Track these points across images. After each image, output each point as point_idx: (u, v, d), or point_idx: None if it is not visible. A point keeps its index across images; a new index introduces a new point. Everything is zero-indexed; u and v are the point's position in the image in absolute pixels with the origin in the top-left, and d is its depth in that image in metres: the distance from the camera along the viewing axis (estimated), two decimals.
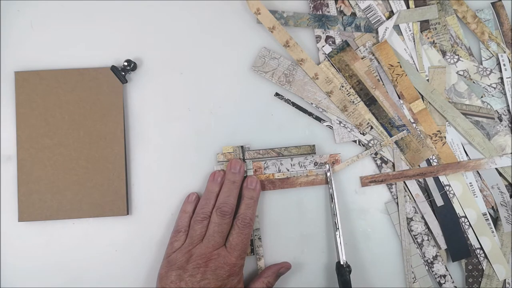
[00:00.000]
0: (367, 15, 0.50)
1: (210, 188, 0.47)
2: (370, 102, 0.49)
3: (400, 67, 0.49)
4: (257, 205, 0.47)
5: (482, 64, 0.50)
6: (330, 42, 0.50)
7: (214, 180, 0.47)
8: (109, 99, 0.48)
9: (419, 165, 0.49)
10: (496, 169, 0.49)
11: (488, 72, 0.50)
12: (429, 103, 0.49)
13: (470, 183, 0.49)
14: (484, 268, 0.48)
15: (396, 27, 0.50)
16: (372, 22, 0.50)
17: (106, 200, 0.47)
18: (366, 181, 0.49)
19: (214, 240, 0.44)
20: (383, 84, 0.50)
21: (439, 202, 0.49)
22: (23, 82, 0.48)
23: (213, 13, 0.50)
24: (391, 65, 0.49)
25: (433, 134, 0.49)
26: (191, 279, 0.42)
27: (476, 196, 0.49)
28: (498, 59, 0.50)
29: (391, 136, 0.49)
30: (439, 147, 0.49)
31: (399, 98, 0.49)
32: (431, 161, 0.49)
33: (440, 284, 0.48)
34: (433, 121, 0.49)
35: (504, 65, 0.50)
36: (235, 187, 0.46)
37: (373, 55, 0.49)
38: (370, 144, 0.49)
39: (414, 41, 0.50)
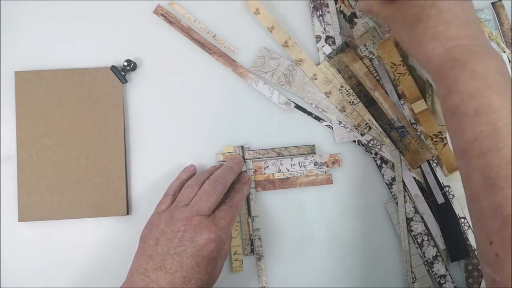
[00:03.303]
0: None
1: (208, 168, 0.48)
2: (370, 103, 0.49)
3: (403, 65, 0.48)
4: (245, 197, 0.47)
5: None
6: (330, 42, 0.50)
7: (215, 166, 0.48)
8: (109, 99, 0.48)
9: (419, 166, 0.49)
10: None
11: None
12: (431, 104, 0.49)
13: None
14: None
15: None
16: None
17: (106, 200, 0.47)
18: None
19: (199, 206, 0.41)
20: (382, 85, 0.49)
21: (440, 199, 0.48)
22: (23, 82, 0.48)
23: (213, 13, 0.50)
24: (393, 63, 0.49)
25: (434, 135, 0.49)
26: (167, 243, 0.40)
27: None
28: None
29: (390, 137, 0.49)
30: (440, 148, 0.49)
31: (400, 98, 0.49)
32: (430, 162, 0.49)
33: (440, 284, 0.48)
34: (434, 121, 0.49)
35: None
36: (232, 171, 0.46)
37: (373, 54, 0.49)
38: (369, 144, 0.49)
39: None
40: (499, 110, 0.33)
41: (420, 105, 0.48)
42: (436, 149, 0.49)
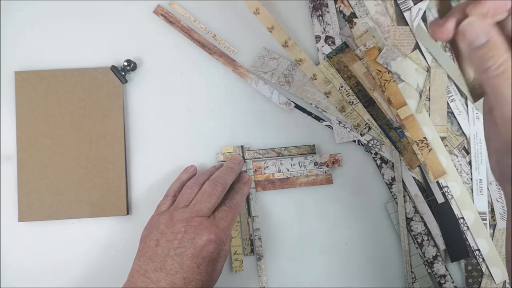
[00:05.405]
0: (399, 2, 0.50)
1: (208, 169, 0.48)
2: (369, 103, 0.49)
3: (388, 72, 0.49)
4: (245, 198, 0.47)
5: None
6: (330, 42, 0.50)
7: (215, 167, 0.48)
8: (109, 99, 0.48)
9: (419, 166, 0.49)
10: None
11: None
12: (426, 105, 0.49)
13: (480, 179, 0.49)
14: (484, 269, 0.48)
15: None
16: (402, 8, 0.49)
17: (106, 200, 0.47)
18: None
19: (199, 207, 0.42)
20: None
21: (440, 199, 0.49)
22: (23, 82, 0.48)
23: (213, 13, 0.50)
24: (379, 70, 0.49)
25: (419, 140, 0.49)
26: (167, 244, 0.40)
27: (482, 194, 0.48)
28: None
29: (389, 137, 0.49)
30: (425, 153, 0.49)
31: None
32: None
33: (440, 284, 0.48)
34: (419, 127, 0.49)
35: None
36: (232, 171, 0.46)
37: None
38: (369, 144, 0.49)
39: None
40: None
41: (405, 111, 0.49)
42: (422, 154, 0.49)
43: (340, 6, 0.50)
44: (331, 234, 0.49)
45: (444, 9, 0.30)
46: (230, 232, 0.43)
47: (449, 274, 0.48)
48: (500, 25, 0.28)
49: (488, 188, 0.49)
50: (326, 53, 0.50)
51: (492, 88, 0.27)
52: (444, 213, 0.49)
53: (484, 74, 0.27)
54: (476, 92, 0.30)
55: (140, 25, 0.50)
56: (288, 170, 0.49)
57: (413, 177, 0.49)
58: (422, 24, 0.50)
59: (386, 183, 0.49)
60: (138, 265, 0.40)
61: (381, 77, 0.49)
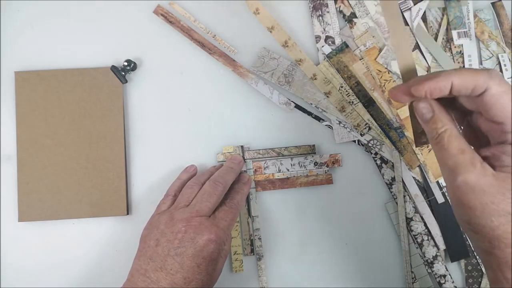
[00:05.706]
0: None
1: (209, 169, 0.48)
2: (369, 103, 0.49)
3: (388, 72, 0.49)
4: (245, 197, 0.47)
5: (482, 64, 0.50)
6: (330, 42, 0.50)
7: (215, 166, 0.48)
8: (109, 99, 0.48)
9: (419, 166, 0.49)
10: None
11: None
12: None
13: None
14: (484, 269, 0.48)
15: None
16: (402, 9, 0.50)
17: (106, 200, 0.47)
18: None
19: (199, 207, 0.42)
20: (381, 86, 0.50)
21: (440, 199, 0.49)
22: (23, 82, 0.48)
23: (213, 13, 0.50)
24: (379, 70, 0.49)
25: None
26: (168, 244, 0.40)
27: None
28: (498, 59, 0.50)
29: (389, 137, 0.49)
30: (425, 153, 0.49)
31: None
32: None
33: (440, 284, 0.48)
34: None
35: (505, 65, 0.50)
36: (232, 171, 0.46)
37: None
38: (369, 144, 0.49)
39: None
40: None
41: (406, 111, 0.49)
42: (422, 154, 0.49)
43: (340, 6, 0.50)
44: (331, 234, 0.49)
45: (407, 76, 0.36)
46: (230, 232, 0.43)
47: (449, 274, 0.48)
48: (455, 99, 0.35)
49: None
50: (326, 53, 0.50)
51: (435, 151, 0.34)
52: (444, 213, 0.49)
53: (430, 140, 0.34)
54: (421, 140, 0.37)
55: (140, 25, 0.50)
56: (288, 170, 0.49)
57: (413, 177, 0.49)
58: (422, 24, 0.50)
59: (386, 183, 0.49)
60: (138, 265, 0.40)
61: (381, 77, 0.49)
